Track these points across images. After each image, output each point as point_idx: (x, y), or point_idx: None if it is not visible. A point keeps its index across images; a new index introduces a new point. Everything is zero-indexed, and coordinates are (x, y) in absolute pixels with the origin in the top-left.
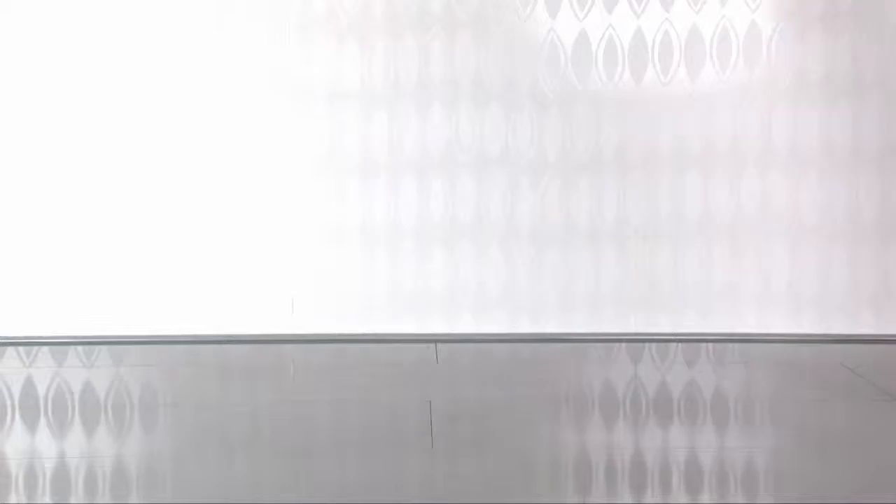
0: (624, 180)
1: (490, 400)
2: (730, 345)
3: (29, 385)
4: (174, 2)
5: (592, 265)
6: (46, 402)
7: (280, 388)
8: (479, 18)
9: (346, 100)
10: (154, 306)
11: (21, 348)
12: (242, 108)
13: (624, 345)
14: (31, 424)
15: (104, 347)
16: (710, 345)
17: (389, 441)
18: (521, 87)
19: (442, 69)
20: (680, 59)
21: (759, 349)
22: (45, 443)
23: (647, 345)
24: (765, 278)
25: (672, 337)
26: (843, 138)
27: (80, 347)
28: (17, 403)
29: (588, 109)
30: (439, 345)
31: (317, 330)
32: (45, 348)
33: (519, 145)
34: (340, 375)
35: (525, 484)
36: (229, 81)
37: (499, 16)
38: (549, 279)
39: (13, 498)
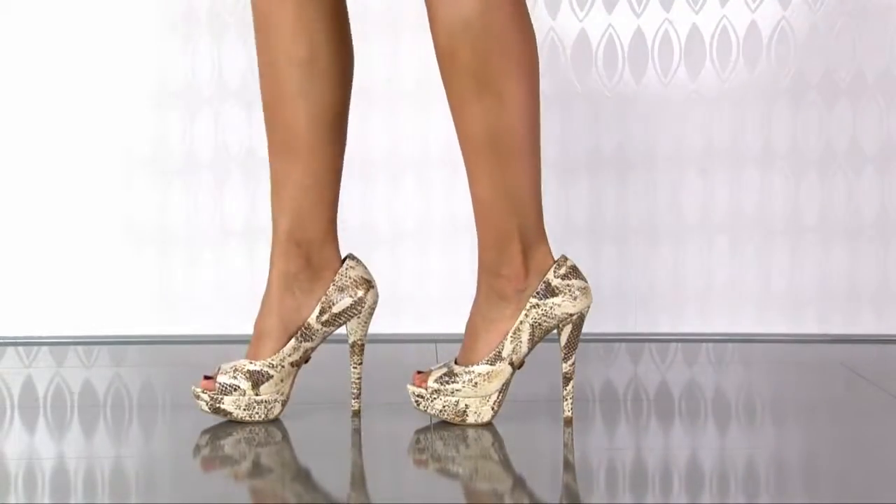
0: (624, 180)
1: None
2: (729, 345)
3: (29, 385)
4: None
5: (592, 265)
6: (46, 402)
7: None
8: None
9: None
10: (154, 306)
11: (21, 348)
12: (240, 109)
13: (624, 345)
14: (30, 425)
15: (104, 347)
16: (710, 345)
17: (390, 443)
18: None
19: None
20: (680, 59)
21: (759, 349)
22: (45, 443)
23: (646, 345)
24: (765, 278)
25: (672, 337)
26: (843, 138)
27: (79, 347)
28: (16, 403)
29: (588, 109)
30: (439, 345)
31: None
32: (45, 348)
33: None
34: (340, 376)
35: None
36: (225, 81)
37: None
38: None
39: (12, 498)
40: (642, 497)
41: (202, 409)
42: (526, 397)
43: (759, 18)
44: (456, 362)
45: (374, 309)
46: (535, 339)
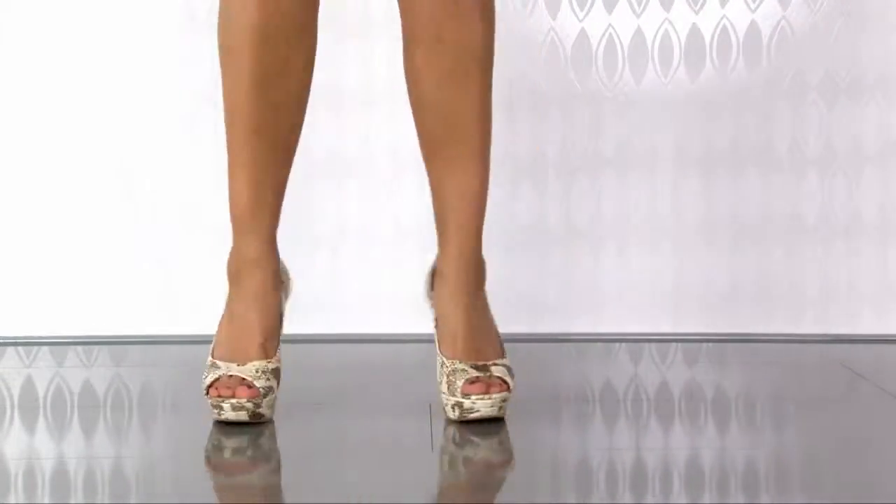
0: (624, 180)
1: None
2: (729, 345)
3: (29, 385)
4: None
5: (592, 265)
6: (46, 402)
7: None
8: None
9: (344, 101)
10: (154, 306)
11: (21, 348)
12: None
13: (624, 345)
14: (30, 425)
15: (104, 347)
16: (710, 345)
17: (390, 443)
18: (521, 87)
19: None
20: (680, 59)
21: (759, 349)
22: (45, 443)
23: (646, 345)
24: (764, 278)
25: (672, 337)
26: (843, 138)
27: (79, 347)
28: (16, 403)
29: (588, 109)
30: None
31: (317, 330)
32: (45, 348)
33: (518, 145)
34: (337, 376)
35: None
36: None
37: (498, 16)
38: (549, 279)
39: (12, 498)
40: (642, 497)
41: (240, 420)
42: (526, 397)
43: (759, 18)
44: (475, 365)
45: None
46: None
